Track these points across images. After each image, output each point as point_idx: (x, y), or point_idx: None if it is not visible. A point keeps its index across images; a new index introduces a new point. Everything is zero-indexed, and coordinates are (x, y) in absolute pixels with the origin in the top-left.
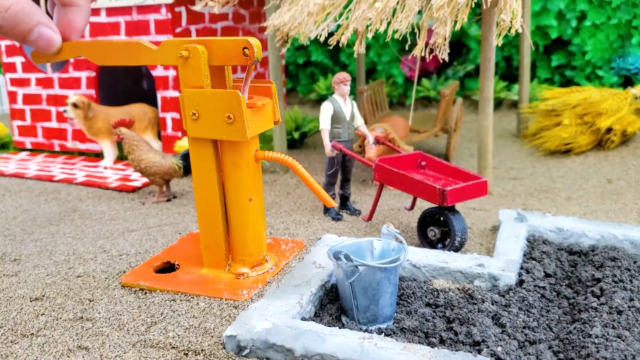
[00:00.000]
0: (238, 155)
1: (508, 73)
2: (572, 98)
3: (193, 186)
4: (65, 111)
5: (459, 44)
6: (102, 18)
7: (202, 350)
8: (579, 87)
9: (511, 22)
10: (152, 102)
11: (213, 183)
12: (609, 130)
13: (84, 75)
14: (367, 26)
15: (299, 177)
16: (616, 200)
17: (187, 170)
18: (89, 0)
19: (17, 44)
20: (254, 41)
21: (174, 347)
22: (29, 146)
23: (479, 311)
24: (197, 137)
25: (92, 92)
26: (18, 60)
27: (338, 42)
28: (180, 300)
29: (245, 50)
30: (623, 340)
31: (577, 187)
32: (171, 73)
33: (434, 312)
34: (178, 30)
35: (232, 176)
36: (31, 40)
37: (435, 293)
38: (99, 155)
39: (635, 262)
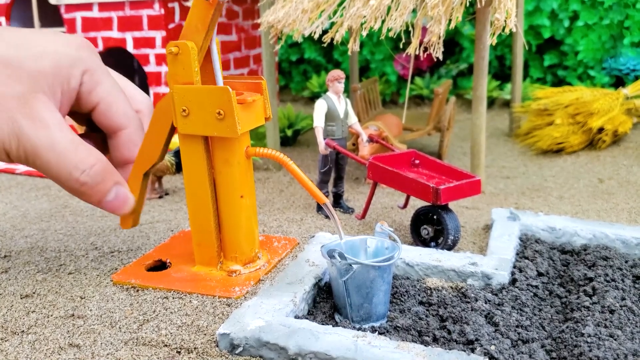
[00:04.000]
0: (229, 151)
1: (501, 72)
2: (564, 98)
3: (184, 183)
4: None
5: (452, 43)
6: (95, 13)
7: (194, 348)
8: (571, 86)
9: (505, 21)
10: None
11: (204, 180)
12: (601, 130)
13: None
14: (362, 24)
15: (291, 173)
16: (607, 199)
17: (179, 167)
18: (137, 118)
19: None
20: None
21: (166, 345)
22: None
23: (472, 310)
24: (187, 134)
25: None
26: None
27: (332, 39)
28: (173, 298)
29: None
30: (615, 340)
31: (569, 187)
32: (164, 69)
33: (427, 310)
34: (171, 26)
35: (223, 173)
36: (107, 201)
37: (429, 291)
38: None
39: (626, 262)
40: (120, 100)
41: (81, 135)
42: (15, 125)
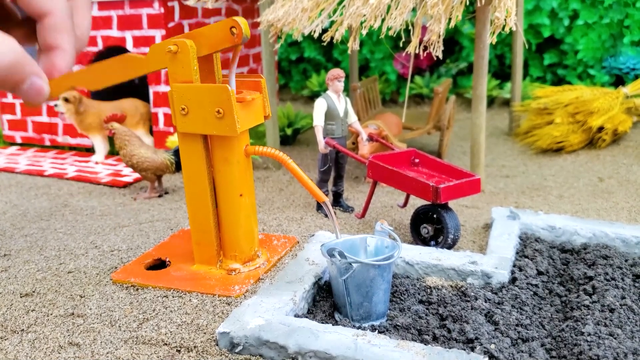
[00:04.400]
0: (228, 150)
1: (500, 71)
2: (564, 97)
3: (183, 182)
4: (56, 105)
5: (452, 42)
6: (94, 12)
7: (194, 347)
8: (570, 85)
9: (505, 20)
10: (144, 97)
11: (203, 179)
12: (600, 129)
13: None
14: (361, 23)
15: (290, 171)
16: (607, 198)
17: (179, 166)
18: (73, 44)
19: None
20: (240, 19)
21: (166, 344)
22: (19, 140)
23: (472, 309)
24: (186, 133)
25: None
26: None
27: (331, 38)
28: (173, 297)
29: (233, 29)
30: (615, 338)
31: (569, 186)
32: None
33: (427, 309)
34: (170, 25)
35: (223, 171)
36: (22, 90)
37: (429, 290)
38: (90, 150)
39: (626, 261)
40: None
41: (15, 23)
42: None
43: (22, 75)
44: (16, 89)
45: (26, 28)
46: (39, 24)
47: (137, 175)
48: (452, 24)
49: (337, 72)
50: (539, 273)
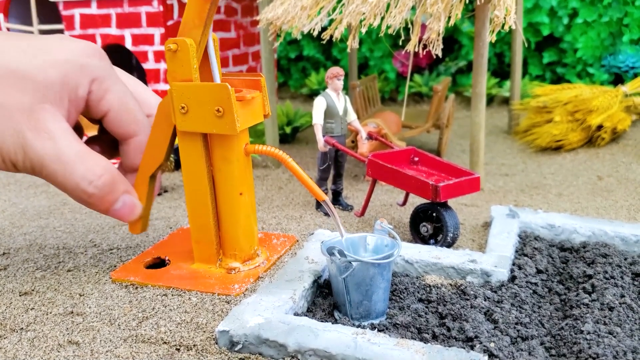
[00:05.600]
0: (228, 149)
1: (500, 70)
2: (563, 95)
3: (183, 181)
4: None
5: (451, 40)
6: (93, 10)
7: (194, 345)
8: (570, 84)
9: (505, 18)
10: None
11: (203, 177)
12: (600, 127)
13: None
14: (361, 21)
15: (290, 170)
16: (606, 197)
17: (178, 164)
18: (146, 125)
19: None
20: None
21: (165, 342)
22: None
23: (471, 307)
24: (186, 131)
25: None
26: None
27: (331, 36)
28: (172, 295)
29: None
30: (614, 337)
31: (568, 184)
32: (162, 66)
33: (427, 307)
34: (170, 23)
35: (222, 170)
36: (114, 209)
37: (428, 289)
38: None
39: (625, 259)
40: (129, 108)
41: (93, 137)
42: (21, 136)
43: (116, 193)
44: (108, 209)
45: (101, 144)
46: (124, 144)
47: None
48: (452, 22)
49: (336, 70)
50: (539, 271)
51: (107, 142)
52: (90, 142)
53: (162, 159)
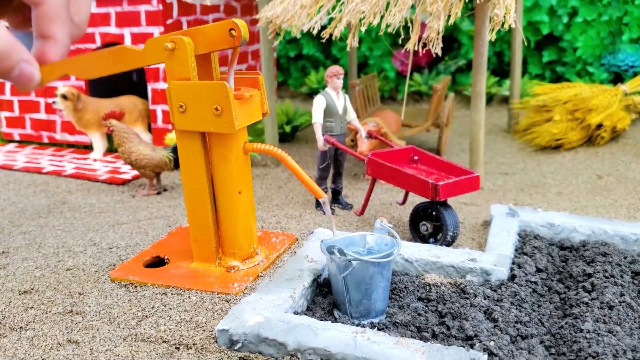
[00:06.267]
0: (226, 147)
1: (499, 68)
2: (563, 94)
3: (182, 180)
4: (54, 102)
5: (451, 39)
6: (92, 8)
7: (193, 344)
8: (569, 83)
9: (504, 17)
10: (143, 94)
11: (202, 176)
12: (599, 126)
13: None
14: (360, 19)
15: (289, 168)
16: (606, 196)
17: (177, 163)
18: (67, 34)
19: None
20: (240, 21)
21: (165, 341)
22: (17, 138)
23: (471, 306)
24: (184, 130)
25: (82, 83)
26: None
27: (330, 35)
28: (172, 294)
29: (232, 31)
30: (614, 335)
31: (568, 183)
32: (162, 65)
33: (426, 306)
34: (169, 21)
35: (221, 169)
36: (12, 76)
37: (428, 287)
38: (88, 147)
39: (625, 258)
40: None
41: (15, 7)
42: None
43: (11, 62)
44: (6, 76)
45: (22, 13)
46: (33, 11)
47: (135, 172)
48: (452, 21)
49: (336, 69)
50: (538, 270)
51: (24, 12)
52: (14, 9)
53: (84, 76)
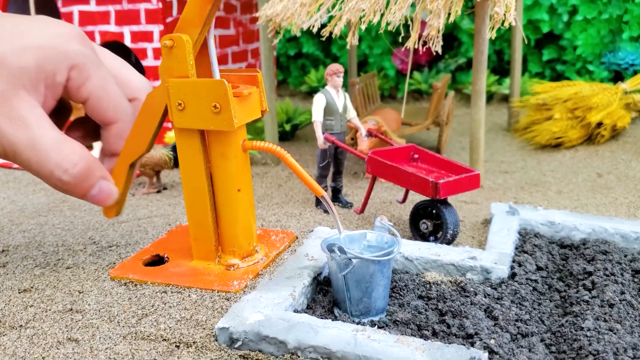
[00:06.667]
0: (225, 145)
1: (499, 67)
2: (563, 92)
3: (181, 178)
4: None
5: (451, 37)
6: (92, 7)
7: (194, 342)
8: (569, 81)
9: (504, 15)
10: None
11: (201, 174)
12: (599, 124)
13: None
14: (360, 17)
15: (288, 166)
16: (606, 194)
17: (177, 162)
18: (128, 112)
19: None
20: None
21: (165, 339)
22: None
23: (471, 304)
24: (183, 128)
25: None
26: None
27: (330, 33)
28: (172, 292)
29: None
30: (615, 333)
31: (568, 181)
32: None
33: (427, 304)
34: (169, 20)
35: (220, 167)
36: (91, 195)
37: (428, 286)
38: (87, 146)
39: (625, 256)
40: (110, 95)
41: (80, 119)
42: None
43: (92, 180)
44: (85, 194)
45: (84, 127)
46: (104, 130)
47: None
48: (452, 19)
49: (336, 67)
50: (539, 268)
51: (92, 125)
52: (75, 123)
53: (144, 149)
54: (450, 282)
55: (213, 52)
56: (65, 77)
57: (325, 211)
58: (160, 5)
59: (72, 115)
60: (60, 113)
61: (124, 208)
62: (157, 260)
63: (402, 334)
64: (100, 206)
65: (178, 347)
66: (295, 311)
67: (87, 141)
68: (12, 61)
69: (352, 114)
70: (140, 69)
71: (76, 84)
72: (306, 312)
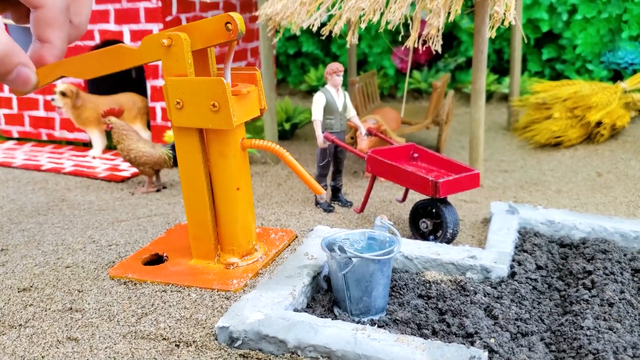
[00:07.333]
0: (224, 144)
1: (499, 66)
2: (563, 91)
3: (180, 177)
4: (53, 100)
5: (450, 37)
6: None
7: (193, 341)
8: (569, 80)
9: (504, 14)
10: (142, 92)
11: (200, 173)
12: (599, 123)
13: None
14: (360, 17)
15: (286, 164)
16: (606, 193)
17: (177, 161)
18: (64, 38)
19: None
20: (236, 15)
21: (165, 339)
22: (15, 135)
23: (471, 303)
24: (182, 127)
25: (81, 80)
26: None
27: (330, 32)
28: (171, 292)
29: (228, 25)
30: (614, 332)
31: (567, 180)
32: (161, 62)
33: (427, 303)
34: (168, 18)
35: (219, 165)
36: (9, 79)
37: (428, 285)
38: (87, 145)
39: (625, 255)
40: None
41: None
42: None
43: (9, 65)
44: (3, 79)
45: (24, 7)
46: (32, 13)
47: (134, 169)
48: (451, 18)
49: (335, 66)
50: (538, 267)
51: (22, 10)
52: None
53: (81, 76)
54: (450, 281)
55: (230, 59)
56: None
57: (325, 210)
58: (160, 4)
59: None
60: None
61: (124, 207)
62: (157, 259)
63: (402, 333)
64: (19, 91)
65: (178, 346)
66: (295, 310)
67: (21, 21)
68: None
69: (351, 112)
70: (140, 68)
71: None
72: (306, 311)
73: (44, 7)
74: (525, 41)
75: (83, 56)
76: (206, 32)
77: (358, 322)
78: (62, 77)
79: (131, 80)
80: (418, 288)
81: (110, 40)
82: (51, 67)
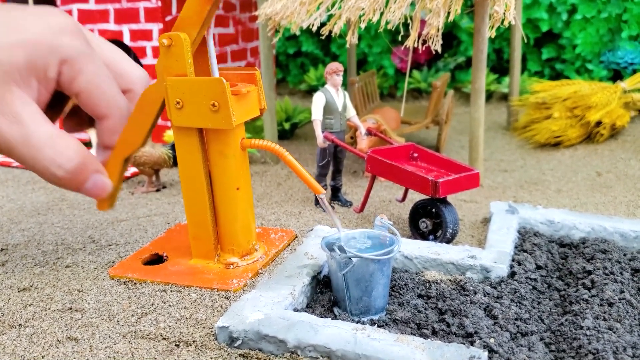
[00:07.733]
0: (224, 143)
1: (498, 66)
2: (562, 91)
3: (179, 177)
4: None
5: (450, 36)
6: (91, 5)
7: (193, 341)
8: (568, 80)
9: (504, 14)
10: None
11: (199, 173)
12: (599, 123)
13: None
14: (360, 16)
15: (286, 164)
16: (606, 193)
17: (176, 160)
18: (121, 107)
19: None
20: None
21: (164, 338)
22: None
23: (471, 303)
24: (182, 126)
25: None
26: None
27: (330, 32)
28: (171, 291)
29: None
30: (614, 332)
31: (567, 180)
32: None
33: (426, 303)
34: (168, 18)
35: (219, 165)
36: (85, 188)
37: (427, 284)
38: (87, 145)
39: (625, 255)
40: (102, 89)
41: (75, 108)
42: None
43: (86, 174)
44: (80, 187)
45: (78, 117)
46: (98, 123)
47: (134, 169)
48: (451, 18)
49: (335, 66)
50: (538, 267)
51: (84, 115)
52: (71, 112)
53: (139, 144)
54: (450, 280)
55: (212, 50)
56: (57, 72)
57: (325, 210)
58: (160, 3)
59: (71, 102)
60: (58, 101)
61: (124, 207)
62: (157, 259)
63: (402, 333)
64: (95, 199)
65: (178, 346)
66: (295, 310)
67: (84, 128)
68: (2, 57)
69: (351, 112)
70: None
71: (67, 78)
72: (306, 311)
73: (110, 118)
74: (525, 41)
75: (125, 128)
76: (190, 12)
77: (358, 322)
78: (127, 160)
79: None
80: (418, 288)
81: (110, 40)
82: (112, 157)
